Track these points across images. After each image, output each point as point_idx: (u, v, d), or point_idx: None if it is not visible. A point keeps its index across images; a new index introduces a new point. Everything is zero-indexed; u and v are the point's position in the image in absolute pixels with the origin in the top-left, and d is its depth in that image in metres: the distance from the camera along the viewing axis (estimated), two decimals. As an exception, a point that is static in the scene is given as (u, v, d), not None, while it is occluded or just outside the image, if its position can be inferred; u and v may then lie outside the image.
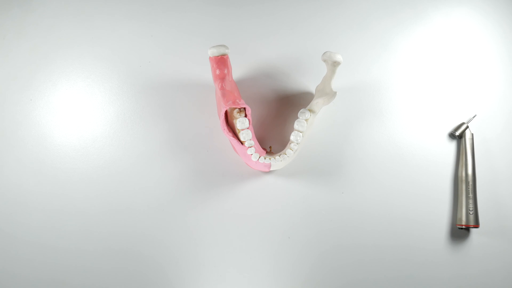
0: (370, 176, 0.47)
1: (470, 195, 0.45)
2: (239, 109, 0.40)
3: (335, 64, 0.41)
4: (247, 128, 0.40)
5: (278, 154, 0.43)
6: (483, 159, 0.48)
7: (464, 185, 0.45)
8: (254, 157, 0.41)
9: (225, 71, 0.40)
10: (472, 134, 0.47)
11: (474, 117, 0.48)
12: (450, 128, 0.49)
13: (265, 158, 0.42)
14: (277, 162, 0.42)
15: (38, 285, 0.44)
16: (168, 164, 0.46)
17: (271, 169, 0.44)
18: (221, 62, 0.40)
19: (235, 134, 0.41)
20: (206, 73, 0.47)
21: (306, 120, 0.42)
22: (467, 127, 0.47)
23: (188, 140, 0.46)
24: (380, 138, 0.48)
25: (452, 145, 0.48)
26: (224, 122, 0.40)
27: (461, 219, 0.45)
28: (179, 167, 0.46)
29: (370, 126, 0.48)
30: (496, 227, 0.47)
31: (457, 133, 0.47)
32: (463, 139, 0.47)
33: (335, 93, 0.43)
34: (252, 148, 0.41)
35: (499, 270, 0.46)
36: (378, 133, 0.48)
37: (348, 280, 0.45)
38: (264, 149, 0.44)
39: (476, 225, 0.44)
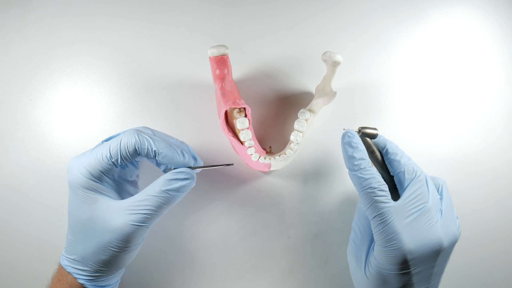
0: (370, 176, 0.47)
1: None
2: (239, 109, 0.40)
3: (335, 64, 0.41)
4: (247, 128, 0.40)
5: (278, 154, 0.43)
6: (484, 160, 0.48)
7: None
8: (254, 157, 0.41)
9: (225, 71, 0.40)
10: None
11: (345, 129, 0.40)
12: (450, 128, 0.49)
13: (265, 158, 0.42)
14: (277, 162, 0.42)
15: (38, 285, 0.44)
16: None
17: (271, 169, 0.44)
18: (221, 62, 0.40)
19: (235, 134, 0.41)
20: (206, 73, 0.47)
21: (306, 120, 0.42)
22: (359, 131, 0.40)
23: (188, 140, 0.46)
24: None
25: (452, 145, 0.48)
26: (224, 122, 0.40)
27: None
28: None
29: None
30: (499, 226, 0.47)
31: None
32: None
33: (335, 93, 0.43)
34: (252, 148, 0.41)
35: (500, 269, 0.46)
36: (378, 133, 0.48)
37: (348, 280, 0.45)
38: (264, 149, 0.44)
39: None
